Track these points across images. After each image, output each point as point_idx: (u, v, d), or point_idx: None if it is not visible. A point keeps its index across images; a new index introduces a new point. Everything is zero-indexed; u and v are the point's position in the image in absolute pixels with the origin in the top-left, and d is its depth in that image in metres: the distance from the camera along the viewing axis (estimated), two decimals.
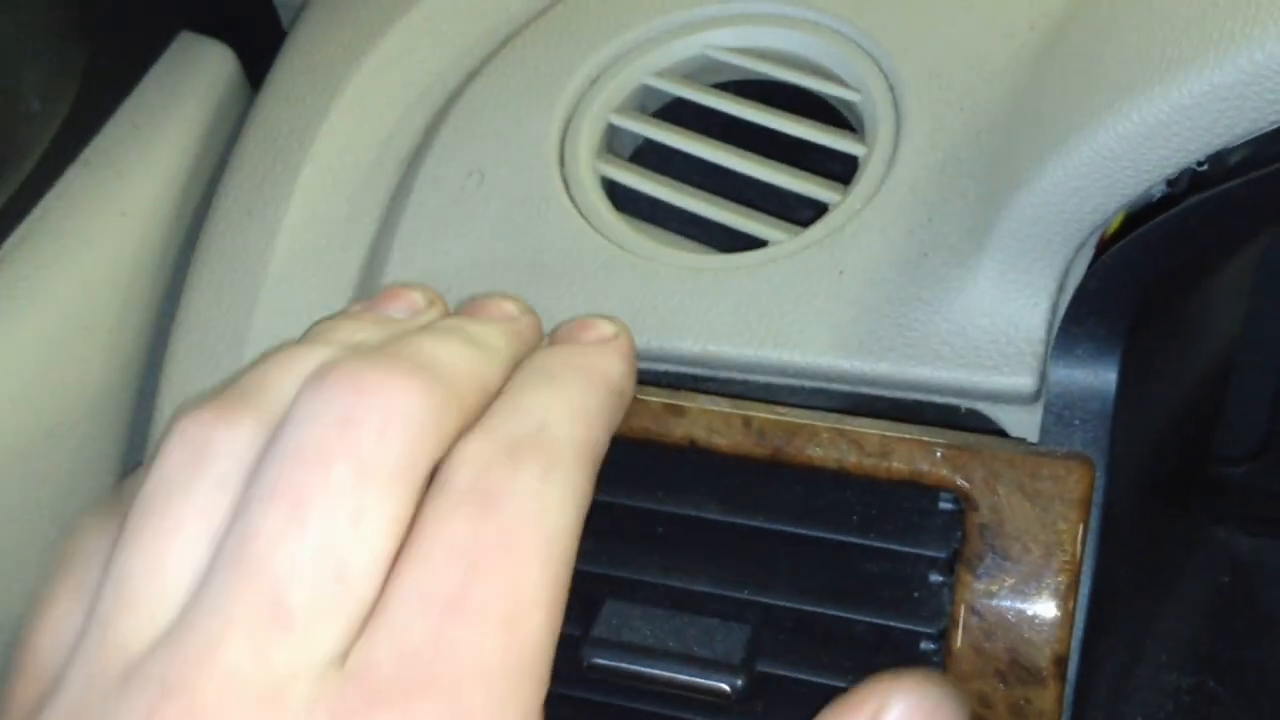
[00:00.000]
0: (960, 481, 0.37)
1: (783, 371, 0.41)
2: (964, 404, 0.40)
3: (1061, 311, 0.39)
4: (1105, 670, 0.39)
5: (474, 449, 0.25)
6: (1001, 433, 0.39)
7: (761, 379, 0.41)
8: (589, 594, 0.40)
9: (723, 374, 0.42)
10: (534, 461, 0.25)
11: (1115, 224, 0.38)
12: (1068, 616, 0.36)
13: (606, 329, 0.35)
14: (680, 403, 0.39)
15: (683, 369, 0.42)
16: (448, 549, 0.24)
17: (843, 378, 0.40)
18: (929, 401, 0.40)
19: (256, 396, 0.26)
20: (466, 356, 0.28)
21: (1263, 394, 0.50)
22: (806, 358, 0.40)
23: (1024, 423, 0.39)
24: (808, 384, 0.41)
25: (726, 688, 0.38)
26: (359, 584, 0.23)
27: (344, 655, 0.23)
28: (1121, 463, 0.38)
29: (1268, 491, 0.48)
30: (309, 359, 0.27)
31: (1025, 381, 0.38)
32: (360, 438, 0.24)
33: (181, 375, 0.45)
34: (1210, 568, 0.46)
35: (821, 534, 0.39)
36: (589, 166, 0.46)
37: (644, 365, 0.42)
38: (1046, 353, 0.38)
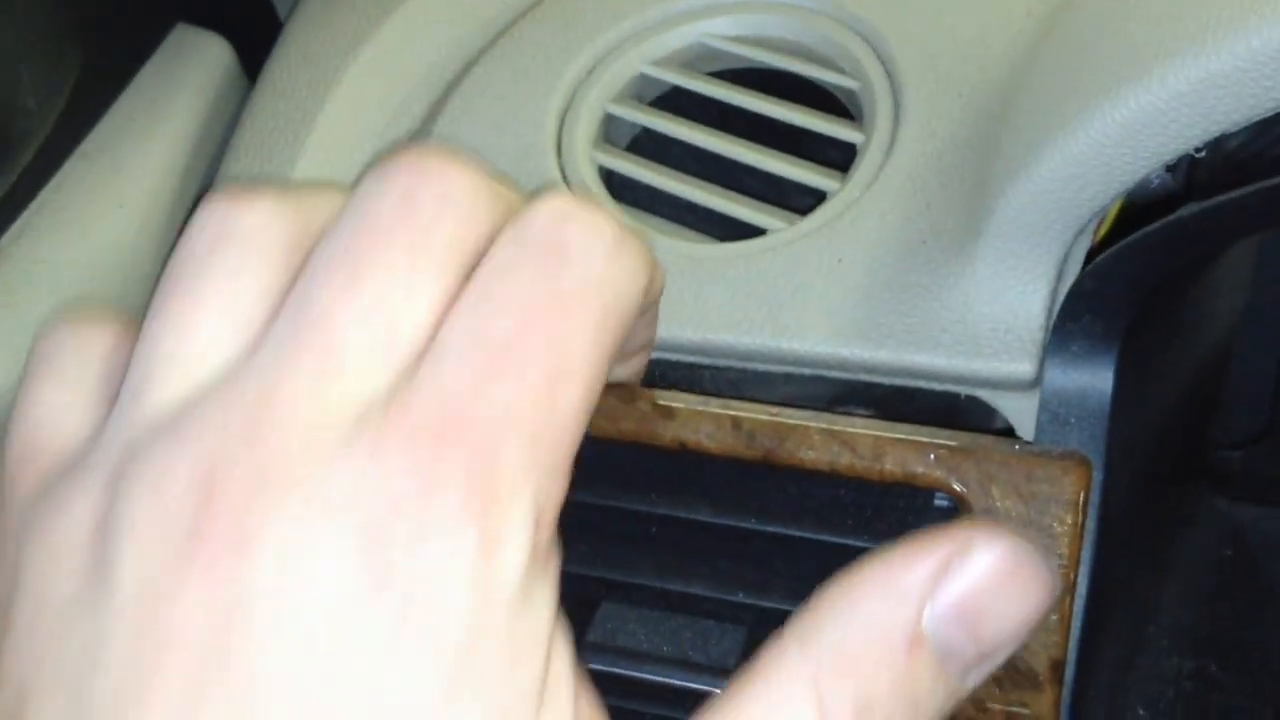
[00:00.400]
0: (955, 485, 0.37)
1: (781, 359, 0.41)
2: (963, 390, 0.40)
3: (1061, 298, 0.39)
4: (1105, 660, 0.39)
5: (554, 204, 0.25)
6: (1004, 429, 0.39)
7: (760, 367, 0.41)
8: (584, 597, 0.40)
9: (721, 362, 0.42)
10: (610, 229, 0.25)
11: (1113, 212, 0.38)
12: (1064, 621, 0.35)
13: None
14: (670, 404, 0.39)
15: (681, 357, 0.42)
16: (504, 298, 0.24)
17: (842, 365, 0.40)
18: (928, 389, 0.40)
19: (283, 189, 0.27)
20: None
21: (1263, 380, 0.50)
22: (805, 345, 0.40)
23: (1024, 410, 0.39)
24: (806, 371, 0.41)
25: (720, 692, 0.38)
26: (408, 337, 0.24)
27: (391, 397, 0.23)
28: (1119, 459, 0.38)
29: (1267, 476, 0.48)
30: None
31: (1025, 368, 0.38)
32: (419, 211, 0.25)
33: None
34: (1212, 540, 0.46)
35: (815, 535, 0.39)
36: (586, 156, 0.46)
37: None
38: (1046, 339, 0.38)
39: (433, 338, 0.24)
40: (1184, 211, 0.34)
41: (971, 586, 0.24)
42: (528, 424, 0.23)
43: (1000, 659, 0.24)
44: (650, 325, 0.31)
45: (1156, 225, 0.35)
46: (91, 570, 0.23)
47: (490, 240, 0.26)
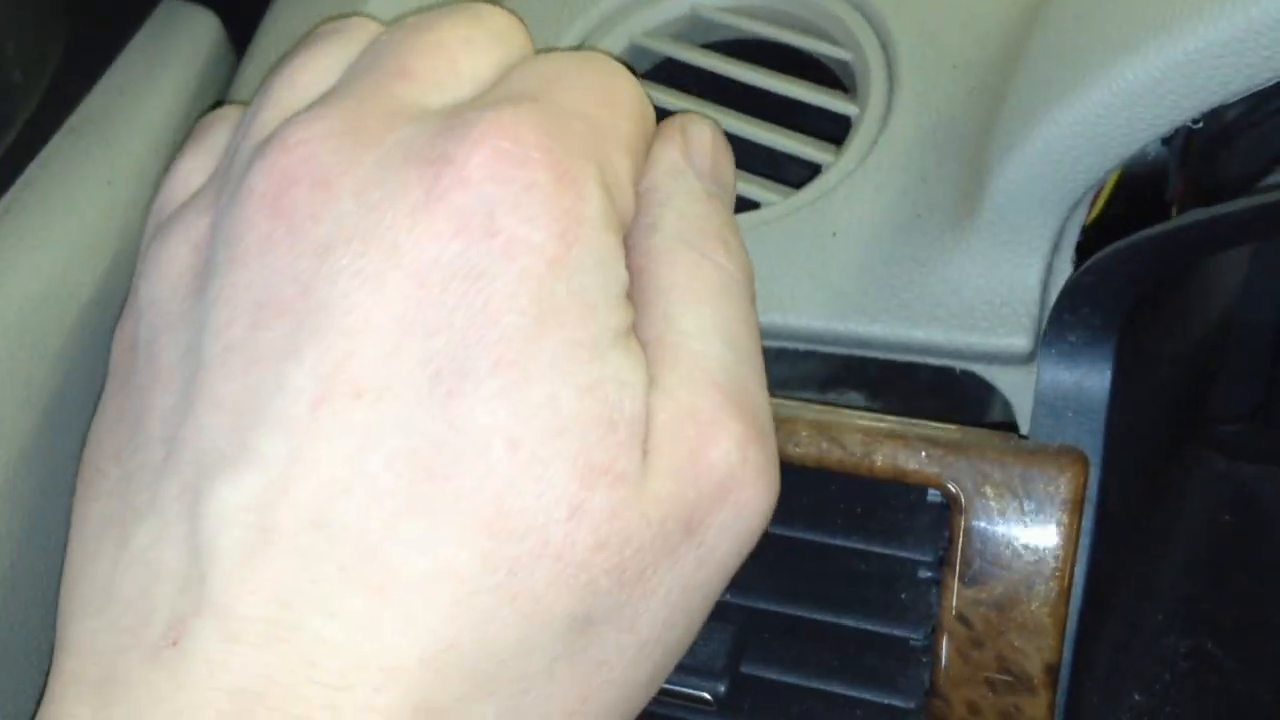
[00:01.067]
0: (948, 485, 0.36)
1: (775, 334, 0.40)
2: (959, 365, 0.39)
3: (1057, 271, 0.38)
4: (1101, 649, 0.38)
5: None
6: (997, 422, 0.39)
7: None
8: None
9: None
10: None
11: (1110, 184, 0.38)
12: (1059, 624, 0.35)
13: None
14: None
15: None
16: (558, 71, 0.29)
17: (836, 340, 0.40)
18: (923, 363, 0.40)
19: None
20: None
21: (1261, 351, 0.50)
22: (799, 320, 0.40)
23: (1020, 384, 0.39)
24: (800, 346, 0.41)
25: (708, 695, 0.37)
26: (465, 78, 0.29)
27: (460, 102, 0.28)
28: (1117, 451, 0.37)
29: (1263, 450, 0.48)
30: None
31: (1020, 341, 0.38)
32: (478, 11, 0.30)
33: None
34: (1211, 505, 0.45)
35: (804, 535, 0.38)
36: None
37: None
38: (1042, 312, 0.38)
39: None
40: (1185, 220, 0.34)
41: (709, 155, 0.33)
42: (588, 115, 0.27)
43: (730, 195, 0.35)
44: None
45: (1156, 230, 0.34)
46: (202, 265, 0.27)
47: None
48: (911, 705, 0.37)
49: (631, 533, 0.25)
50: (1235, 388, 0.48)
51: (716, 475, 0.27)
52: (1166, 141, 0.39)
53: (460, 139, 0.25)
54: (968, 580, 0.36)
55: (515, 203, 0.25)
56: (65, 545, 0.29)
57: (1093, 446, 0.36)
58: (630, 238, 0.30)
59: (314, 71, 0.30)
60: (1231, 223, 0.33)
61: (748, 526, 0.28)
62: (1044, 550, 0.35)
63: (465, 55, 0.29)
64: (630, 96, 0.30)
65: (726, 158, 0.34)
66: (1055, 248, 0.38)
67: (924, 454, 0.36)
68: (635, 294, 0.28)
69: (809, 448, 0.37)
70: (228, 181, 0.28)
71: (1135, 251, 0.35)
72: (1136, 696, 0.39)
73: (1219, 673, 0.40)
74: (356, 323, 0.24)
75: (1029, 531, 0.35)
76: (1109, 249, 0.35)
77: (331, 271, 0.25)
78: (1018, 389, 0.38)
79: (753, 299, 0.31)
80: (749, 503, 0.28)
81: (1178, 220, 0.34)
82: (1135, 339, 0.38)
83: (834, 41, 0.46)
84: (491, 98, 0.27)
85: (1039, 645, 0.35)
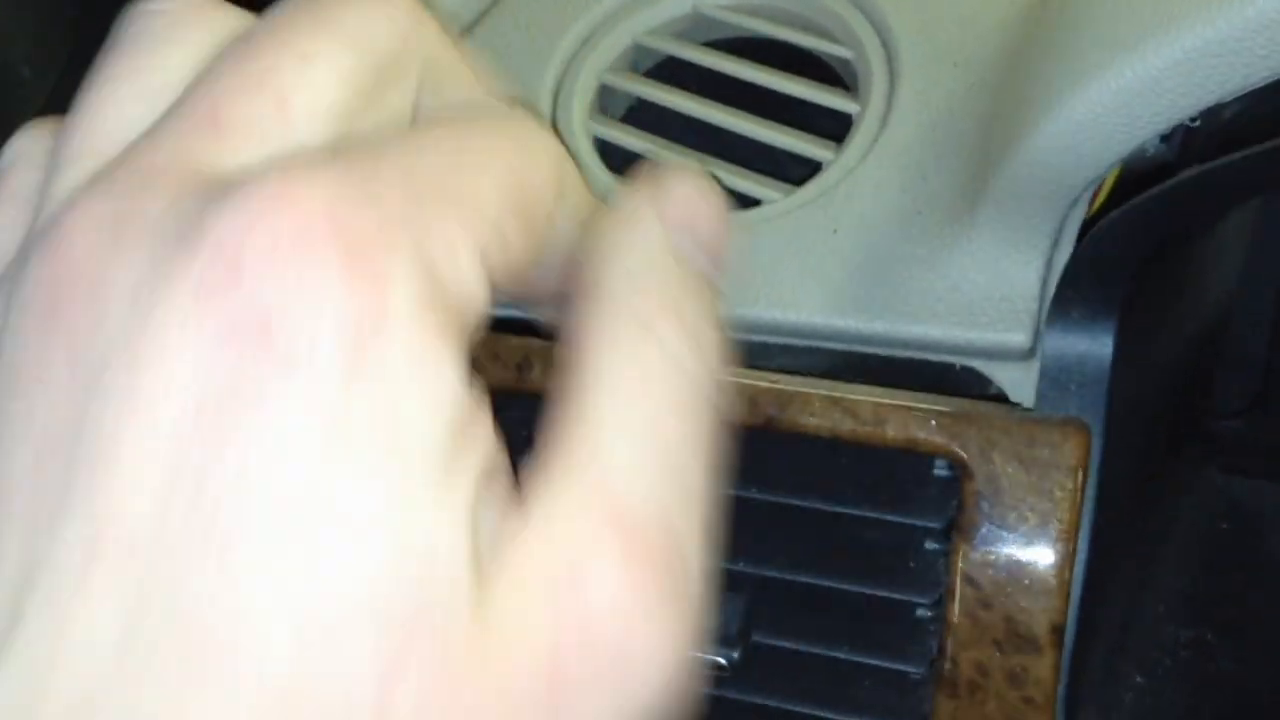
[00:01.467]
0: (956, 449, 0.37)
1: (777, 330, 0.41)
2: (959, 361, 0.40)
3: (1057, 268, 0.39)
4: (1103, 626, 0.39)
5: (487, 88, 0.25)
6: (998, 395, 0.39)
7: (756, 338, 0.41)
8: None
9: None
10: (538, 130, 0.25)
11: (1109, 182, 0.38)
12: (1064, 585, 0.36)
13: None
14: None
15: None
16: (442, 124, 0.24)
17: (837, 336, 0.40)
18: (924, 359, 0.40)
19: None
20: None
21: (1258, 348, 0.50)
22: (801, 316, 0.40)
23: (1019, 380, 0.39)
24: (802, 343, 0.41)
25: (723, 661, 0.38)
26: (298, 121, 0.22)
27: (273, 162, 0.22)
28: (1119, 425, 0.38)
29: (1263, 443, 0.48)
30: None
31: (1020, 338, 0.38)
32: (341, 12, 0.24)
33: None
34: (1208, 513, 0.46)
35: (816, 504, 0.39)
36: (582, 126, 0.46)
37: None
38: (1041, 309, 0.38)
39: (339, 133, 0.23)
40: (1182, 176, 0.34)
41: (683, 206, 0.26)
42: (424, 173, 0.22)
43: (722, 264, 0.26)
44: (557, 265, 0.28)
45: (1155, 190, 0.35)
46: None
47: (410, 64, 0.24)
48: (920, 672, 0.37)
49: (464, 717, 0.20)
50: (1233, 383, 0.49)
51: (595, 636, 0.21)
52: (1165, 139, 0.40)
53: (230, 217, 0.20)
54: (976, 543, 0.36)
55: (296, 299, 0.20)
56: None
57: (1095, 418, 0.37)
58: (573, 302, 0.25)
59: (128, 98, 0.24)
60: (1223, 177, 0.33)
61: (638, 705, 0.22)
62: (1049, 514, 0.36)
63: (301, 88, 0.23)
64: (514, 148, 0.24)
65: (713, 214, 0.27)
66: (1055, 244, 0.38)
67: (934, 423, 0.37)
68: (568, 378, 0.24)
69: (823, 419, 0.38)
70: (11, 280, 0.23)
71: (1134, 217, 0.35)
72: (1138, 678, 0.40)
73: (1217, 662, 0.41)
74: (129, 460, 0.21)
75: (1034, 496, 0.36)
76: (1109, 217, 0.35)
77: (105, 394, 0.21)
78: (1016, 384, 0.39)
79: (709, 399, 0.24)
80: (641, 676, 0.22)
81: (1172, 180, 0.34)
82: (1136, 318, 0.38)
83: (835, 40, 0.46)
84: (291, 157, 0.22)
85: (1045, 606, 0.36)
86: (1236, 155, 0.33)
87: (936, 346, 0.39)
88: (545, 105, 0.46)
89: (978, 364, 0.39)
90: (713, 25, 0.48)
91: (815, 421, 0.38)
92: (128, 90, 0.24)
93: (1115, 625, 0.40)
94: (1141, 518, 0.42)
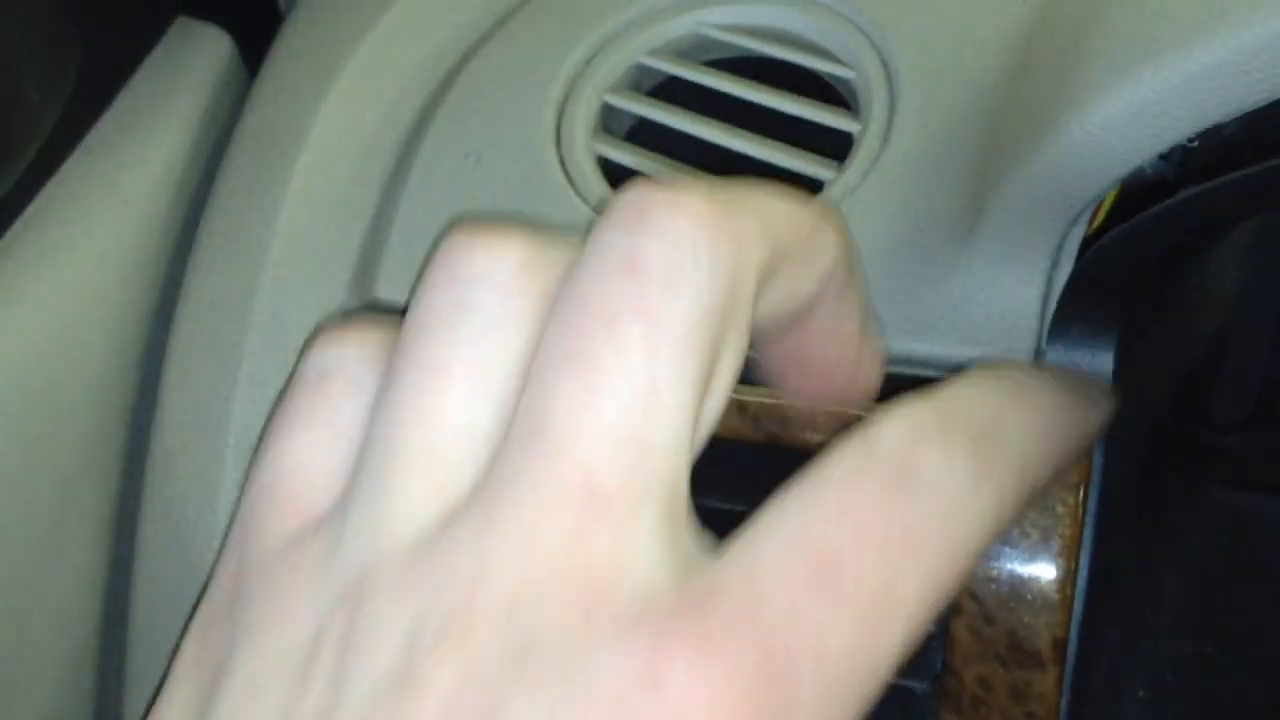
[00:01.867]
0: None
1: None
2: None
3: (1057, 285, 0.39)
4: (1106, 641, 0.39)
5: (919, 410, 0.22)
6: None
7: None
8: None
9: None
10: (982, 460, 0.22)
11: (1109, 201, 0.39)
12: (1066, 600, 0.36)
13: (1097, 382, 0.30)
14: None
15: None
16: (838, 514, 0.21)
17: None
18: (925, 376, 0.40)
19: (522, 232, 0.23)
20: (785, 201, 0.24)
21: (1256, 362, 0.51)
22: None
23: None
24: None
25: None
26: (664, 467, 0.21)
27: (671, 553, 0.20)
28: (1119, 441, 0.39)
29: (1263, 456, 0.49)
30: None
31: (1021, 355, 0.39)
32: (645, 284, 0.21)
33: (184, 359, 0.46)
34: (1209, 526, 0.46)
35: None
36: (585, 146, 0.46)
37: None
38: (1042, 326, 0.39)
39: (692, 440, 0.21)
40: (1180, 196, 0.35)
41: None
42: (845, 661, 0.20)
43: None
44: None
45: (1153, 210, 0.35)
46: (309, 679, 0.21)
47: (759, 281, 0.22)
48: (924, 687, 0.38)
49: None
50: (1231, 393, 0.49)
51: None
52: (1164, 157, 0.40)
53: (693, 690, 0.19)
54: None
55: None
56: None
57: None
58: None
59: (470, 396, 0.22)
60: (1222, 196, 0.34)
61: None
62: (1050, 530, 0.36)
63: (656, 426, 0.21)
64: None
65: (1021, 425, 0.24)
66: (1055, 263, 0.39)
67: None
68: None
69: (826, 434, 0.38)
70: (352, 588, 0.21)
71: (1134, 236, 0.36)
72: (1141, 693, 0.40)
73: (1222, 675, 0.41)
74: None
75: (1035, 512, 0.36)
76: (1108, 235, 0.36)
77: None
78: None
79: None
80: None
81: (1173, 199, 0.35)
82: (1136, 335, 0.39)
83: (835, 59, 0.46)
84: (703, 631, 0.19)
85: (1048, 621, 0.36)
86: (1234, 175, 0.33)
87: (939, 363, 0.40)
88: (549, 125, 0.47)
89: None
90: (714, 46, 0.49)
91: (819, 438, 0.38)
92: (465, 385, 0.22)
93: (1117, 640, 0.40)
94: (1142, 532, 0.42)
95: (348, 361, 0.24)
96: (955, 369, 0.40)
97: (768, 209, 0.23)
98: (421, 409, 0.22)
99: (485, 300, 0.22)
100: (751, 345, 0.23)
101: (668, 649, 0.19)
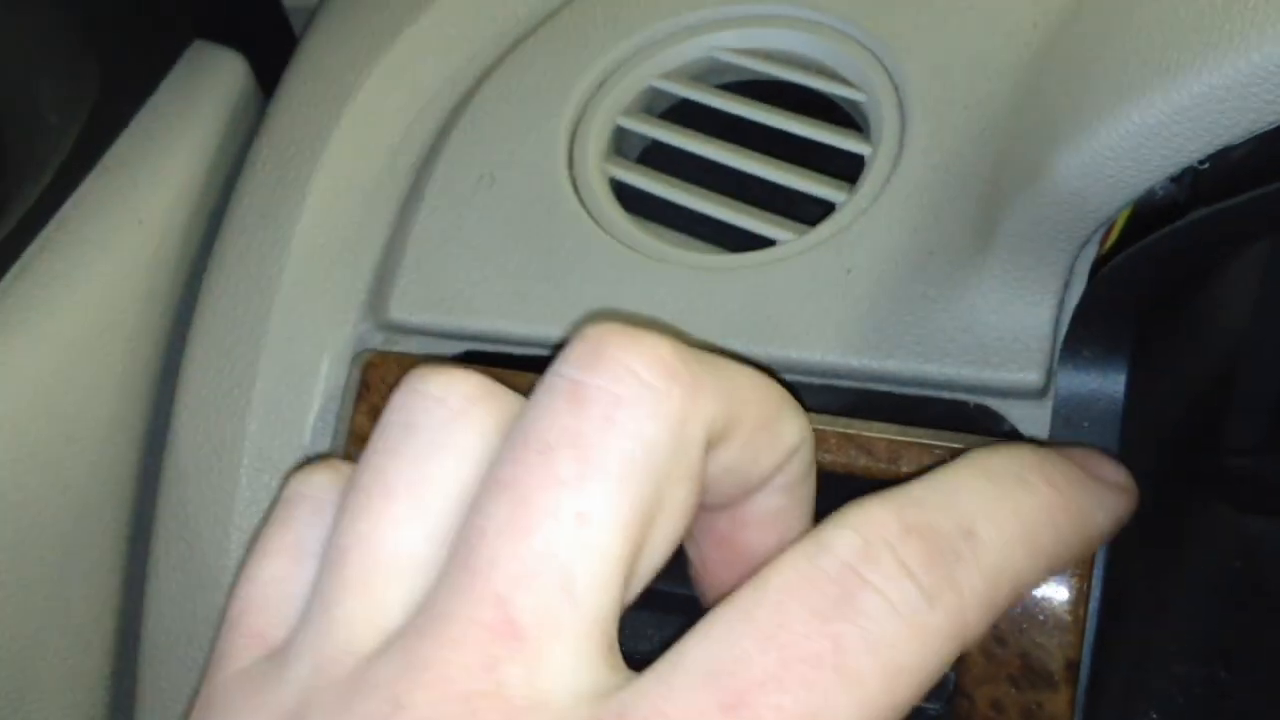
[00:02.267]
0: None
1: (791, 369, 0.41)
2: (972, 399, 0.40)
3: (1069, 307, 0.39)
4: (1117, 664, 0.39)
5: (874, 516, 0.22)
6: (1011, 431, 0.40)
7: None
8: None
9: None
10: (929, 575, 0.21)
11: (1120, 222, 0.39)
12: (1079, 621, 0.36)
13: (1118, 473, 0.28)
14: None
15: None
16: (758, 636, 0.20)
17: (850, 374, 0.41)
18: (937, 398, 0.41)
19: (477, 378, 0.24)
20: (756, 375, 0.24)
21: (1270, 384, 0.50)
22: (814, 355, 0.41)
23: (1032, 417, 0.39)
24: (816, 381, 0.41)
25: None
26: (587, 600, 0.21)
27: (586, 687, 0.20)
28: (1132, 463, 0.39)
29: (1273, 482, 0.49)
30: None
31: (1032, 377, 0.39)
32: (585, 419, 0.21)
33: (199, 379, 0.46)
34: (1221, 552, 0.46)
35: None
36: (597, 168, 0.47)
37: None
38: (1053, 348, 0.39)
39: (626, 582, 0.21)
40: (1192, 216, 0.35)
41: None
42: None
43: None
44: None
45: (1164, 231, 0.35)
46: None
47: (705, 435, 0.22)
48: (936, 708, 0.38)
49: None
50: (1245, 421, 0.49)
51: None
52: (1175, 180, 0.40)
53: None
54: None
55: None
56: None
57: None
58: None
59: (406, 517, 0.22)
60: (1234, 217, 0.34)
61: None
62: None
63: (582, 564, 0.21)
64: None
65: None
66: (1066, 285, 0.39)
67: (948, 460, 0.37)
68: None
69: (838, 455, 0.38)
70: (296, 711, 0.22)
71: (1145, 257, 0.36)
72: (1153, 715, 0.40)
73: (1232, 699, 0.41)
74: None
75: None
76: (1120, 257, 0.36)
77: None
78: (1029, 421, 0.39)
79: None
80: None
81: (1184, 219, 0.35)
82: (1149, 356, 0.39)
83: (846, 82, 0.47)
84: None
85: (1060, 642, 0.36)
86: (1246, 196, 0.33)
87: (950, 385, 0.40)
88: (562, 147, 0.47)
89: (991, 402, 0.40)
90: (726, 69, 0.49)
91: (830, 458, 0.38)
92: (406, 507, 0.22)
93: (1128, 663, 0.40)
94: (1153, 555, 0.42)
95: (316, 487, 0.25)
96: (966, 389, 0.40)
97: (733, 372, 0.23)
98: (361, 535, 0.22)
99: (431, 423, 0.23)
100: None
101: None
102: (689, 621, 0.22)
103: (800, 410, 0.25)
